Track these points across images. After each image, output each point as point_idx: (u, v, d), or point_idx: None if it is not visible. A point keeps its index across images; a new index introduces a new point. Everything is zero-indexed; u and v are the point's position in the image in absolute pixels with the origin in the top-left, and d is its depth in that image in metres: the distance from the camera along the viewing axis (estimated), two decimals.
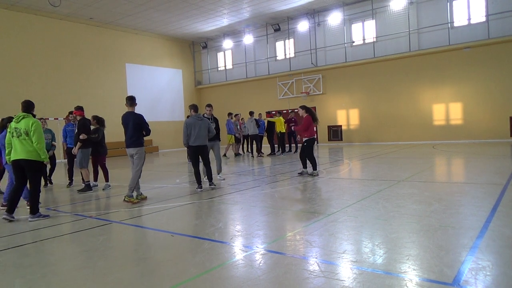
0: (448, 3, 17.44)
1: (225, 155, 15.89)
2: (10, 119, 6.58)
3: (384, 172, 9.18)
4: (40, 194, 6.07)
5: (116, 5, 18.40)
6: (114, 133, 16.19)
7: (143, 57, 23.67)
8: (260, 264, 3.49)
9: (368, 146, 18.15)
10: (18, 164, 5.77)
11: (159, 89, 24.48)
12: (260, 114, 17.60)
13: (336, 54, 20.91)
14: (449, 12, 17.46)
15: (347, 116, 21.07)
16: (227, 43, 24.90)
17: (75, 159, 8.94)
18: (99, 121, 8.98)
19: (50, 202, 7.60)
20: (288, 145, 17.07)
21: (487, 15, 16.53)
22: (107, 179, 8.86)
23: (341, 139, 21.21)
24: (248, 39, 23.88)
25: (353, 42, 20.51)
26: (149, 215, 5.98)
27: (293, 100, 22.36)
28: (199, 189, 7.75)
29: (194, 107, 8.11)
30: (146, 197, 7.14)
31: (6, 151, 5.97)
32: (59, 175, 11.39)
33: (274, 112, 18.54)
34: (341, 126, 21.25)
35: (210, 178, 8.19)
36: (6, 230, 5.32)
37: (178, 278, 3.25)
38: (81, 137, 8.33)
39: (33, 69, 18.38)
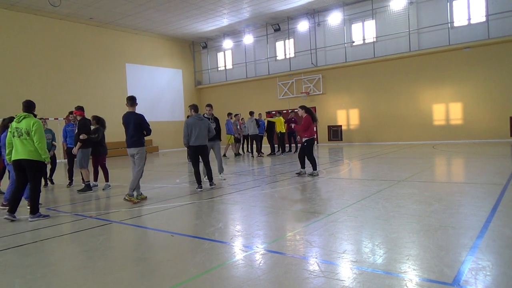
0: (448, 3, 17.44)
1: (224, 155, 15.89)
2: (11, 119, 6.58)
3: (384, 172, 9.18)
4: (40, 194, 6.07)
5: (116, 5, 18.40)
6: (114, 133, 16.18)
7: (143, 57, 23.67)
8: (260, 264, 3.49)
9: (368, 146, 18.15)
10: (19, 164, 5.77)
11: (159, 89, 24.48)
12: (260, 114, 17.61)
13: (336, 54, 20.91)
14: (449, 12, 17.47)
15: (347, 116, 21.07)
16: (227, 43, 24.90)
17: (75, 159, 8.94)
18: (99, 121, 8.98)
19: (50, 202, 7.60)
20: (288, 145, 17.07)
21: (487, 15, 16.53)
22: (107, 179, 8.86)
23: (341, 139, 21.21)
24: (248, 39, 23.88)
25: (353, 42, 20.51)
26: (149, 215, 5.98)
27: (293, 100, 22.36)
28: (199, 189, 7.75)
29: (194, 107, 8.12)
30: (146, 197, 7.14)
31: (7, 151, 5.97)
32: (59, 175, 11.39)
33: (274, 112, 18.55)
34: (341, 126, 21.25)
35: (210, 178, 8.20)
36: (6, 230, 5.32)
37: (178, 278, 3.25)
38: (81, 137, 8.33)
39: (33, 69, 18.38)
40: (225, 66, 26.20)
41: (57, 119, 17.75)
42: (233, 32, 24.46)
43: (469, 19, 17.26)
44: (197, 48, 26.92)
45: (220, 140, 9.63)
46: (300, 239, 4.21)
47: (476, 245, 3.64)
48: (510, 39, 15.96)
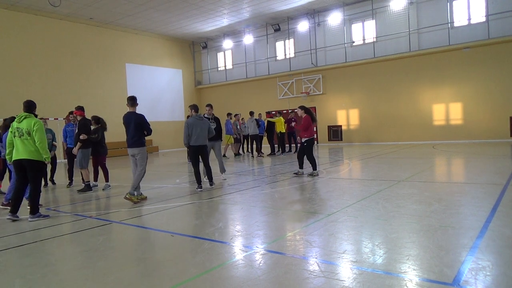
0: (448, 3, 17.45)
1: (224, 155, 15.89)
2: (12, 119, 6.59)
3: (384, 172, 9.18)
4: (40, 194, 6.07)
5: (116, 5, 18.40)
6: (114, 133, 16.17)
7: (143, 57, 23.67)
8: (260, 264, 3.49)
9: (368, 146, 18.15)
10: (20, 164, 5.78)
11: (159, 89, 24.48)
12: (260, 114, 17.61)
13: (336, 54, 20.91)
14: (449, 12, 17.47)
15: (347, 116, 21.07)
16: (227, 43, 24.90)
17: (75, 159, 8.94)
18: (98, 121, 8.97)
19: (50, 202, 7.60)
20: (288, 145, 17.07)
21: (487, 15, 16.53)
22: (107, 179, 8.86)
23: (341, 139, 21.22)
24: (248, 39, 23.88)
25: (353, 42, 20.51)
26: (149, 215, 5.99)
27: (293, 100, 22.36)
28: (199, 189, 7.76)
29: (194, 107, 8.13)
30: (146, 197, 7.14)
31: (7, 151, 5.97)
32: (59, 175, 11.38)
33: (274, 112, 18.55)
34: (341, 126, 21.25)
35: (210, 178, 8.21)
36: (6, 230, 5.32)
37: (178, 278, 3.25)
38: (81, 137, 8.33)
39: (33, 69, 18.38)
40: (225, 66, 26.20)
41: (57, 119, 17.75)
42: (233, 32, 24.45)
43: (469, 19, 17.27)
44: (197, 48, 26.92)
45: (222, 140, 9.62)
46: (300, 239, 4.21)
47: (476, 245, 3.64)
48: (510, 39, 15.96)
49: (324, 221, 4.82)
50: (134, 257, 3.99)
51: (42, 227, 5.39)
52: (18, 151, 5.75)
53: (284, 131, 16.04)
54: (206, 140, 8.10)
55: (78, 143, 8.40)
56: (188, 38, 25.55)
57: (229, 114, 16.25)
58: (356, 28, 20.46)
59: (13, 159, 5.84)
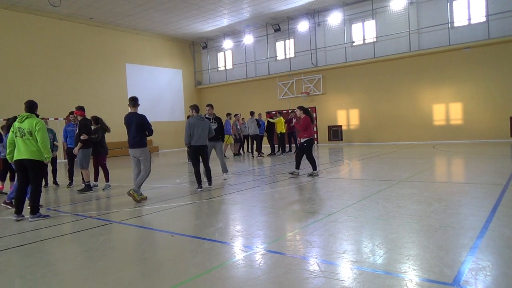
0: (448, 3, 17.45)
1: (224, 155, 15.87)
2: (15, 119, 6.59)
3: (384, 172, 9.18)
4: (41, 194, 6.08)
5: (116, 5, 18.40)
6: (115, 133, 16.09)
7: (143, 57, 23.67)
8: (260, 264, 3.49)
9: (368, 146, 18.16)
10: (21, 164, 5.79)
11: (159, 89, 24.48)
12: (260, 114, 17.60)
13: (336, 54, 20.91)
14: (449, 12, 17.47)
15: (347, 116, 21.07)
16: (227, 43, 24.90)
17: (75, 159, 8.94)
18: (97, 121, 8.96)
19: (51, 202, 7.60)
20: (288, 145, 17.07)
21: (487, 15, 16.53)
22: (107, 179, 8.86)
23: (341, 139, 21.22)
24: (248, 39, 23.88)
25: (353, 42, 20.51)
26: (149, 215, 5.99)
27: (293, 100, 22.36)
28: (199, 189, 7.76)
29: (195, 108, 8.15)
30: (146, 197, 7.14)
31: (8, 150, 5.97)
32: (59, 175, 11.37)
33: (274, 112, 18.55)
34: (341, 126, 21.25)
35: (209, 178, 8.20)
36: (6, 230, 5.32)
37: (178, 278, 3.26)
38: (82, 137, 8.33)
39: (33, 69, 18.38)
40: (225, 66, 26.20)
41: (57, 119, 17.75)
42: (233, 32, 24.46)
43: (469, 19, 17.27)
44: (197, 48, 26.93)
45: (223, 141, 9.60)
46: (300, 239, 4.21)
47: (476, 245, 3.64)
48: (510, 39, 15.96)
49: (324, 221, 4.82)
50: (134, 257, 3.99)
51: (42, 227, 5.39)
52: (20, 151, 5.76)
53: (284, 131, 16.04)
54: (206, 140, 8.13)
55: (79, 143, 8.40)
56: (188, 38, 25.55)
57: (228, 114, 16.24)
58: (356, 28, 20.46)
59: (14, 159, 5.86)
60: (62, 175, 11.21)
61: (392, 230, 4.29)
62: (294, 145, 16.36)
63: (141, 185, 7.05)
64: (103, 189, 8.59)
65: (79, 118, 8.64)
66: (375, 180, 7.92)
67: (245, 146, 16.92)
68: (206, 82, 27.26)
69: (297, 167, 9.17)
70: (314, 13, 21.20)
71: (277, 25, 22.30)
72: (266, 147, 18.55)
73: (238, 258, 3.69)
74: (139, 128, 6.96)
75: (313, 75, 21.86)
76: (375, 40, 19.54)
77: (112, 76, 21.91)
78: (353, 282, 2.97)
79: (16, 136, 5.79)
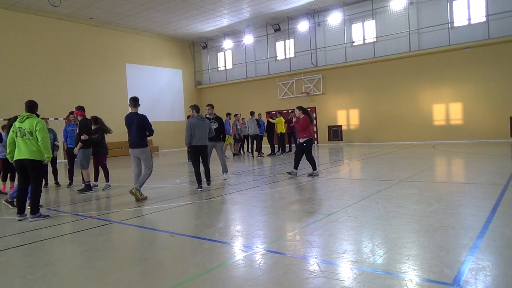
0: (448, 3, 17.45)
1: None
2: (16, 119, 6.60)
3: (384, 172, 9.18)
4: (41, 194, 6.08)
5: (116, 5, 18.40)
6: (115, 133, 16.08)
7: (143, 57, 23.67)
8: (260, 264, 3.49)
9: (368, 146, 18.15)
10: (21, 164, 5.80)
11: (159, 89, 24.47)
12: (260, 114, 17.60)
13: (336, 54, 20.91)
14: (449, 12, 17.47)
15: (347, 116, 21.07)
16: (227, 43, 24.90)
17: (75, 159, 8.94)
18: (97, 121, 8.95)
19: (51, 202, 7.60)
20: (288, 145, 17.07)
21: (487, 15, 16.53)
22: (107, 179, 8.86)
23: (341, 139, 21.22)
24: (248, 39, 23.88)
25: (353, 42, 20.51)
26: (149, 215, 5.99)
27: (293, 100, 22.36)
28: (199, 189, 7.76)
29: (196, 108, 8.16)
30: (146, 197, 7.14)
31: (8, 150, 5.97)
32: (60, 175, 11.38)
33: (274, 112, 18.55)
34: (341, 126, 21.25)
35: (208, 178, 8.20)
36: (6, 230, 5.32)
37: (178, 278, 3.26)
38: (82, 137, 8.33)
39: (33, 69, 18.38)
40: (225, 66, 26.20)
41: (57, 119, 17.75)
42: (233, 32, 24.45)
43: (469, 19, 17.27)
44: (197, 48, 26.93)
45: (224, 141, 9.58)
46: (300, 239, 4.21)
47: (476, 245, 3.64)
48: (510, 39, 15.96)
49: (324, 221, 4.82)
50: (134, 257, 3.99)
51: (42, 227, 5.39)
52: (20, 151, 5.76)
53: (284, 131, 16.04)
54: (207, 140, 8.15)
55: (79, 143, 8.40)
56: (188, 38, 25.55)
57: (228, 114, 16.22)
58: (356, 28, 20.46)
59: (14, 159, 5.86)
60: (62, 175, 11.21)
61: (392, 230, 4.29)
62: (294, 145, 16.35)
63: (143, 184, 7.09)
64: (103, 189, 8.59)
65: (79, 118, 8.64)
66: (375, 180, 7.92)
67: (245, 146, 16.92)
68: (206, 82, 27.26)
69: (295, 167, 9.17)
70: (314, 13, 21.20)
71: (277, 25, 22.30)
72: (266, 147, 18.55)
73: (238, 258, 3.69)
74: (140, 128, 6.98)
75: (313, 75, 21.86)
76: (375, 40, 19.54)
77: (112, 76, 21.91)
78: (353, 282, 2.97)
79: (16, 136, 5.79)
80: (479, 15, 16.93)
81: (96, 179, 9.15)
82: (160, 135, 23.01)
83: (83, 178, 8.62)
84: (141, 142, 7.01)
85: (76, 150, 8.51)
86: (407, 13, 18.33)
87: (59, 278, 3.47)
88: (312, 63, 21.64)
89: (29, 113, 5.87)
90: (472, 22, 17.16)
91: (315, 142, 21.69)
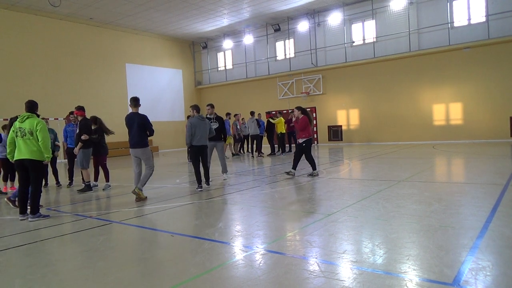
0: (448, 3, 17.45)
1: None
2: (17, 119, 6.60)
3: (384, 172, 9.18)
4: (41, 194, 6.08)
5: (116, 5, 18.40)
6: (115, 133, 16.17)
7: (143, 57, 23.67)
8: (260, 264, 3.49)
9: (368, 146, 18.16)
10: (22, 164, 5.80)
11: (159, 89, 24.48)
12: (260, 114, 17.60)
13: (336, 54, 20.91)
14: (449, 12, 17.47)
15: (347, 116, 21.07)
16: (227, 43, 24.90)
17: (75, 159, 8.94)
18: (96, 121, 8.95)
19: (51, 202, 7.60)
20: (288, 145, 17.07)
21: (487, 15, 16.53)
22: (107, 179, 8.86)
23: (341, 139, 21.22)
24: (248, 39, 23.88)
25: (353, 42, 20.51)
26: (149, 215, 5.99)
27: (293, 100, 22.36)
28: (199, 189, 7.76)
29: (196, 108, 8.17)
30: (146, 197, 7.14)
31: (8, 150, 5.97)
32: (59, 175, 11.39)
33: (274, 112, 18.55)
34: (341, 126, 21.25)
35: (207, 178, 8.20)
36: (6, 230, 5.32)
37: (178, 278, 3.25)
38: (82, 137, 8.33)
39: (33, 69, 18.38)
40: (225, 66, 26.20)
41: (57, 119, 17.75)
42: (233, 32, 24.46)
43: (469, 19, 17.27)
44: (197, 48, 26.93)
45: (224, 141, 9.58)
46: (300, 239, 4.21)
47: (476, 245, 3.64)
48: (510, 39, 15.96)
49: (324, 221, 4.82)
50: (134, 257, 3.99)
51: (42, 227, 5.39)
52: (21, 151, 5.77)
53: (284, 131, 16.05)
54: (207, 140, 8.16)
55: (79, 143, 8.40)
56: (188, 38, 25.55)
57: (228, 114, 16.22)
58: (356, 28, 20.46)
59: (15, 159, 5.86)
60: (62, 175, 11.21)
61: (392, 230, 4.29)
62: (294, 145, 16.34)
63: (145, 183, 7.12)
64: (103, 189, 8.59)
65: (79, 118, 8.64)
66: (375, 180, 7.92)
67: (245, 146, 16.92)
68: (206, 82, 27.26)
69: (294, 167, 9.16)
70: (314, 13, 21.20)
71: (277, 25, 22.30)
72: (266, 147, 18.55)
73: (238, 258, 3.69)
74: (141, 128, 7.00)
75: (313, 75, 21.86)
76: (375, 40, 19.54)
77: (112, 76, 21.91)
78: (353, 282, 2.97)
79: (16, 136, 5.79)
80: (479, 15, 16.94)
81: (96, 179, 9.15)
82: (160, 135, 23.00)
83: (83, 178, 8.62)
84: (142, 142, 7.03)
85: (76, 150, 8.51)
86: (407, 13, 18.33)
87: (59, 278, 3.47)
88: (312, 63, 21.64)
89: (29, 113, 5.87)
90: (472, 22, 17.16)
91: (315, 142, 21.70)
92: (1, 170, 9.04)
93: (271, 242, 4.15)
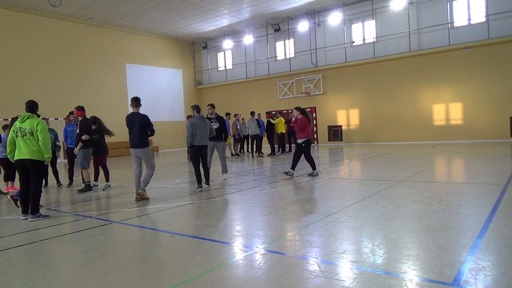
0: (448, 3, 17.45)
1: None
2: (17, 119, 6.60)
3: (384, 172, 9.18)
4: (41, 194, 6.08)
5: (116, 5, 18.40)
6: (115, 133, 16.16)
7: (143, 57, 23.67)
8: (260, 264, 3.49)
9: (368, 146, 18.16)
10: (22, 164, 5.80)
11: (159, 89, 24.47)
12: (260, 114, 17.60)
13: (336, 54, 20.91)
14: (449, 12, 17.47)
15: (347, 116, 21.07)
16: (227, 43, 24.89)
17: (75, 159, 8.94)
18: (96, 121, 8.94)
19: (51, 202, 7.60)
20: (288, 145, 17.06)
21: (487, 15, 16.53)
22: (107, 179, 8.86)
23: (341, 139, 21.22)
24: (248, 39, 23.88)
25: (353, 42, 20.51)
26: (149, 215, 5.99)
27: (293, 100, 22.36)
28: (199, 189, 7.77)
29: (196, 108, 8.18)
30: (149, 198, 7.14)
31: (8, 150, 5.97)
32: (59, 175, 11.39)
33: (274, 112, 18.54)
34: (341, 126, 21.25)
35: (207, 178, 8.20)
36: (6, 230, 5.32)
37: (178, 278, 3.26)
38: (83, 137, 8.33)
39: (33, 69, 18.38)
40: (225, 66, 26.20)
41: (57, 119, 17.75)
42: (233, 32, 24.45)
43: (469, 19, 17.27)
44: (197, 48, 26.92)
45: (225, 141, 9.57)
46: (300, 239, 4.21)
47: (476, 245, 3.64)
48: (510, 39, 15.96)
49: (324, 221, 4.82)
50: (134, 257, 3.99)
51: (42, 227, 5.39)
52: (21, 151, 5.77)
53: (284, 131, 16.05)
54: (207, 140, 8.17)
55: (80, 143, 8.40)
56: (188, 38, 25.55)
57: (227, 114, 16.21)
58: (356, 28, 20.46)
59: (15, 159, 5.86)
60: (62, 175, 11.21)
61: (392, 230, 4.29)
62: (294, 145, 16.33)
63: (148, 183, 7.15)
64: (103, 189, 8.59)
65: (79, 118, 8.64)
66: (375, 180, 7.92)
67: (245, 146, 16.92)
68: (206, 82, 27.26)
69: (293, 167, 9.15)
70: (314, 13, 21.20)
71: (277, 25, 22.30)
72: (266, 147, 18.55)
73: (238, 258, 3.69)
74: (141, 128, 7.01)
75: (313, 75, 21.86)
76: (375, 40, 19.53)
77: (112, 76, 21.91)
78: (353, 282, 2.97)
79: (16, 136, 5.79)
80: (479, 15, 16.93)
81: (96, 179, 9.15)
82: (160, 135, 22.96)
83: (83, 178, 8.62)
84: (143, 142, 7.04)
85: (76, 150, 8.50)
86: (407, 13, 18.33)
87: (59, 278, 3.47)
88: (312, 63, 21.63)
89: (29, 113, 5.87)
90: (472, 22, 17.16)
91: (315, 142, 21.70)
92: (2, 170, 9.04)
93: (271, 242, 4.15)
